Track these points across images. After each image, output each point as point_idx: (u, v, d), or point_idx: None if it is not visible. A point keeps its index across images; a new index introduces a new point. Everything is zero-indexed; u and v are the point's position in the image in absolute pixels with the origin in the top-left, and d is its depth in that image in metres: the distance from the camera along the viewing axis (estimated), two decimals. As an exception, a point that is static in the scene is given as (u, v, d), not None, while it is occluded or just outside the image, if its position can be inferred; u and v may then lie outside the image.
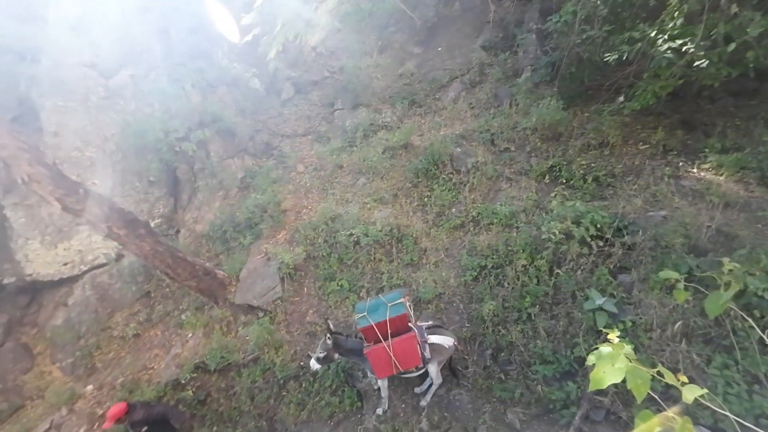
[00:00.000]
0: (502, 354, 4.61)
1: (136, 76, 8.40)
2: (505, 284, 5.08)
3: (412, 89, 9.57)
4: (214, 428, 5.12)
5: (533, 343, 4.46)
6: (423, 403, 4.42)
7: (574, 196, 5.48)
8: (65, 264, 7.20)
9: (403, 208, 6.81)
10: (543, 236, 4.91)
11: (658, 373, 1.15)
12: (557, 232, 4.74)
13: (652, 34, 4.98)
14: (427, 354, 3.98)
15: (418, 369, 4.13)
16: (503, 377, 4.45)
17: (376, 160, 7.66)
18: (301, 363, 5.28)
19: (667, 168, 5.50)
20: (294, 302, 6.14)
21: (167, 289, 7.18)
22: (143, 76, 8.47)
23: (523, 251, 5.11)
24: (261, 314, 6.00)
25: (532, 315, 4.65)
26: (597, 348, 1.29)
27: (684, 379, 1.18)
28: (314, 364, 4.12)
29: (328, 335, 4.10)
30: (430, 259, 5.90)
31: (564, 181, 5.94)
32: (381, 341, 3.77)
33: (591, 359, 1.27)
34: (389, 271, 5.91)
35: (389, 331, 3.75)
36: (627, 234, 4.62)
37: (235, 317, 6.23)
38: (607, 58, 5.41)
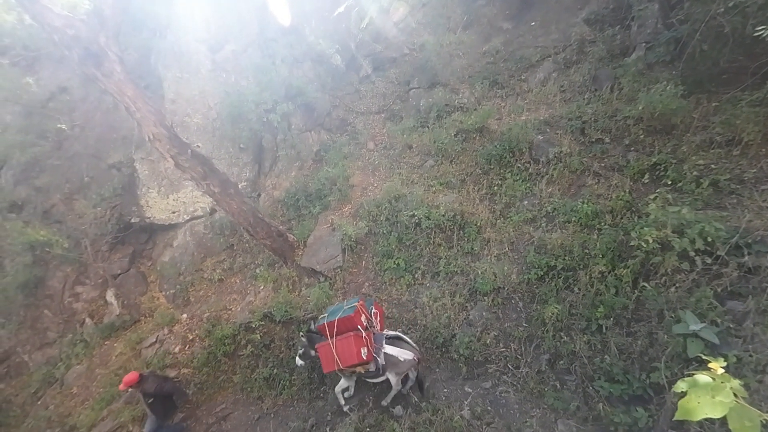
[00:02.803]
0: (561, 362, 4.30)
1: (237, 51, 9.31)
2: (576, 289, 4.65)
3: (496, 69, 8.86)
4: (275, 370, 5.80)
5: (600, 358, 4.06)
6: (383, 402, 4.53)
7: (681, 201, 4.63)
8: (173, 212, 8.63)
9: (469, 194, 6.54)
10: (631, 243, 4.31)
11: (776, 419, 0.94)
12: (650, 240, 4.11)
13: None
14: (381, 360, 4.13)
15: (375, 376, 4.29)
16: (558, 386, 4.17)
17: (447, 143, 7.41)
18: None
19: (827, 178, 4.29)
20: (352, 273, 6.47)
21: (247, 245, 8.16)
22: (242, 51, 9.35)
23: (603, 256, 4.59)
24: (322, 279, 6.47)
25: (604, 327, 4.21)
26: (691, 375, 1.11)
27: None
28: (298, 361, 4.73)
29: (302, 333, 4.60)
30: (492, 251, 5.64)
31: (669, 182, 5.04)
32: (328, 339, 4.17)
33: (681, 386, 1.10)
34: (447, 257, 5.83)
35: (335, 331, 4.09)
36: (749, 254, 3.78)
37: (300, 278, 6.84)
38: (762, 32, 4.26)
